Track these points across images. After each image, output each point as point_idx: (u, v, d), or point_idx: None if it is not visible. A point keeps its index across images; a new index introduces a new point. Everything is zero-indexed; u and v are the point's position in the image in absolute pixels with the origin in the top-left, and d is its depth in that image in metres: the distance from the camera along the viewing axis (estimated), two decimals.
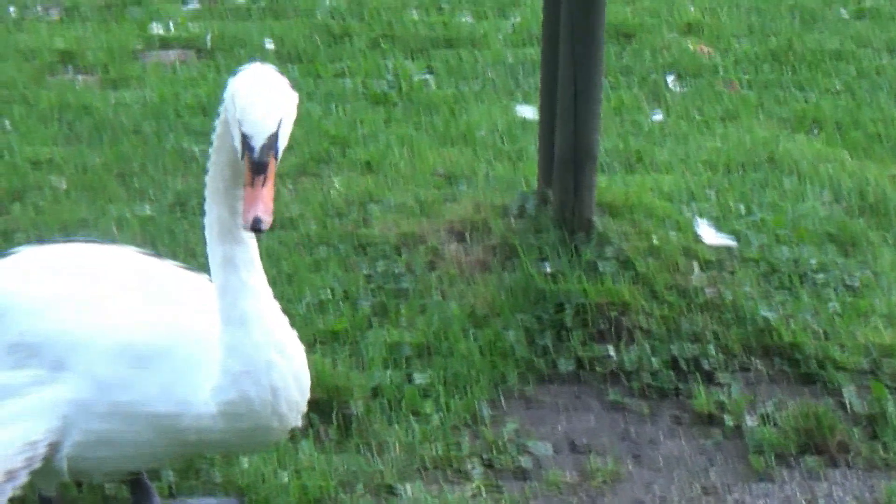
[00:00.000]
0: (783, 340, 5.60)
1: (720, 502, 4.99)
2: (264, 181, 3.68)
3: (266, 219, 3.64)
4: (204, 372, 4.03)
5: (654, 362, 5.50)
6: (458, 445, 5.11)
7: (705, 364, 5.52)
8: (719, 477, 5.11)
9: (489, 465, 5.07)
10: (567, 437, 5.25)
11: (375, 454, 5.06)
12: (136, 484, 4.63)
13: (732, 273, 5.89)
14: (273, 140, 3.72)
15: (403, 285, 5.88)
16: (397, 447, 5.08)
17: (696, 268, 5.83)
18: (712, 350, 5.55)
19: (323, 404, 5.15)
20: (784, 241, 6.24)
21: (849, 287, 6.06)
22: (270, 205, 3.67)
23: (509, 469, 5.07)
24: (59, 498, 4.39)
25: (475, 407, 5.29)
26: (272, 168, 3.72)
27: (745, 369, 5.55)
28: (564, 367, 5.51)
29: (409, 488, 4.90)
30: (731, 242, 6.08)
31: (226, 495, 4.82)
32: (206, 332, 4.09)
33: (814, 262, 6.12)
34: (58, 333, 4.12)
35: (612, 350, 5.53)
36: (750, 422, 5.30)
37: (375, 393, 5.30)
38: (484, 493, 4.91)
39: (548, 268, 5.71)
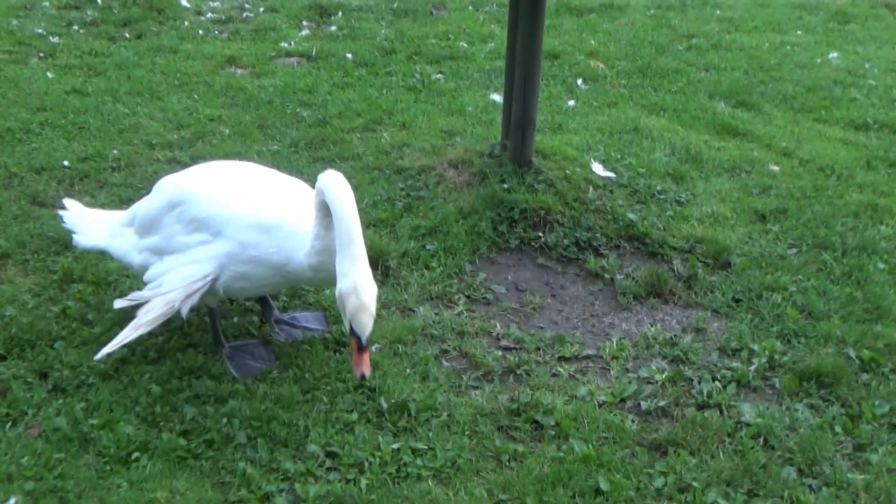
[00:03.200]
0: (640, 231, 5.59)
1: (600, 322, 5.00)
2: (359, 350, 3.78)
3: (368, 374, 3.79)
4: (301, 242, 4.03)
5: (565, 241, 5.49)
6: (451, 286, 5.12)
7: (595, 244, 5.52)
8: (601, 308, 5.12)
9: (468, 298, 5.08)
10: (513, 283, 5.25)
11: (403, 289, 5.06)
12: (263, 301, 4.65)
13: (612, 192, 5.87)
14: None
15: (422, 194, 5.85)
16: (415, 286, 5.09)
17: (590, 189, 5.80)
18: (599, 236, 5.54)
19: (374, 261, 5.14)
20: (643, 175, 6.21)
21: (678, 202, 6.04)
22: (368, 364, 3.80)
23: (480, 300, 5.08)
24: (218, 309, 4.40)
25: (461, 264, 5.28)
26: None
27: (618, 247, 5.54)
28: (513, 242, 5.49)
29: (421, 309, 4.91)
30: (612, 175, 6.05)
31: (316, 310, 4.82)
32: (304, 219, 4.09)
33: (658, 188, 6.10)
34: (217, 213, 4.12)
35: (541, 234, 5.51)
36: (619, 277, 5.31)
37: (404, 254, 5.29)
38: (465, 314, 4.92)
39: (506, 186, 5.68)
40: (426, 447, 3.96)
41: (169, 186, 4.29)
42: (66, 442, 3.86)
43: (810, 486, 3.92)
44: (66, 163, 6.20)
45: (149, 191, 4.47)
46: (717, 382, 4.50)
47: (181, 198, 4.20)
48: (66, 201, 4.75)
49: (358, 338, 3.75)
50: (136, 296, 4.14)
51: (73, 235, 4.56)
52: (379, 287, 5.00)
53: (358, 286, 3.73)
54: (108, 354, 4.04)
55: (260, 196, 4.16)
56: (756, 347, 4.74)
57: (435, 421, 4.10)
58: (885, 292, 5.21)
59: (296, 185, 4.34)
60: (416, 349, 4.56)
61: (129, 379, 4.21)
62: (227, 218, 4.10)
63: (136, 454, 3.81)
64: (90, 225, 4.56)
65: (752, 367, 4.60)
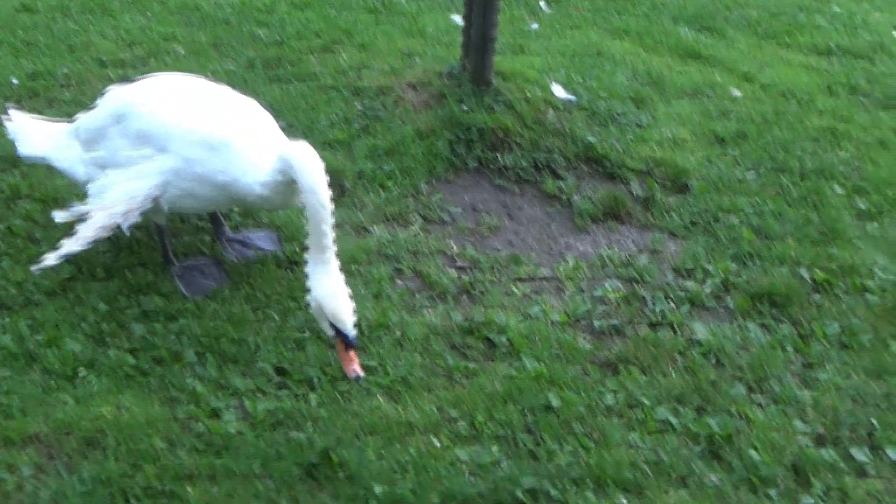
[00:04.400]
0: (599, 154, 5.56)
1: (556, 243, 4.98)
2: (347, 351, 3.69)
3: (362, 373, 3.70)
4: (249, 165, 3.96)
5: (523, 163, 5.44)
6: (407, 206, 5.07)
7: (552, 165, 5.48)
8: (557, 229, 5.10)
9: (424, 218, 5.03)
10: (470, 204, 5.21)
11: (358, 209, 5.01)
12: (214, 220, 4.58)
13: (571, 114, 5.81)
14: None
15: (380, 114, 5.77)
16: (371, 206, 5.04)
17: (550, 110, 5.74)
18: (557, 157, 5.50)
19: (329, 181, 5.07)
20: (603, 98, 6.15)
21: (638, 126, 6.00)
22: (359, 364, 3.71)
23: (436, 220, 5.04)
24: (167, 227, 4.33)
25: (418, 185, 5.23)
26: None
27: (576, 169, 5.51)
28: (471, 164, 5.44)
29: (376, 229, 4.87)
30: (572, 98, 5.99)
31: (268, 229, 4.76)
32: (253, 141, 4.02)
33: (619, 111, 6.06)
34: (163, 128, 4.05)
35: (498, 155, 5.46)
36: (577, 199, 5.28)
37: (360, 175, 5.23)
38: (420, 234, 4.88)
39: (464, 107, 5.60)
40: (377, 364, 3.94)
41: (115, 98, 4.19)
42: (10, 359, 3.81)
43: (759, 403, 3.95)
44: (14, 80, 6.06)
45: (96, 103, 4.38)
46: (670, 302, 4.51)
47: (127, 111, 4.10)
48: (11, 110, 4.65)
49: (345, 336, 3.67)
50: (77, 209, 4.07)
51: (17, 146, 4.47)
52: (334, 207, 4.96)
53: (335, 291, 3.69)
54: (50, 267, 3.99)
55: (209, 113, 4.08)
56: (711, 268, 4.75)
57: (387, 339, 4.08)
58: (840, 215, 5.23)
59: (247, 104, 4.25)
60: (369, 269, 4.53)
61: (76, 297, 4.15)
62: (173, 133, 4.02)
63: (82, 371, 3.77)
64: (34, 135, 4.46)
65: (706, 288, 4.61)
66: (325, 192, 3.77)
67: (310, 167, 3.77)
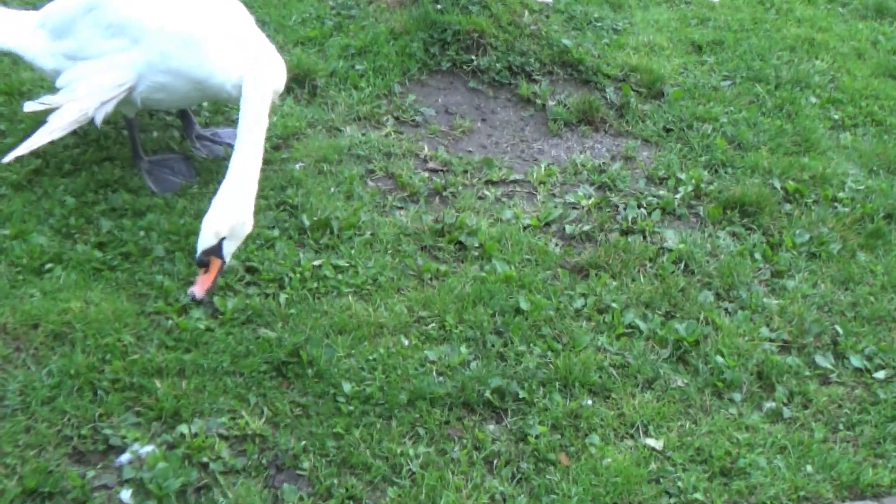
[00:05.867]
0: (574, 58, 5.48)
1: (530, 147, 4.95)
2: (205, 272, 3.52)
3: (197, 295, 3.50)
4: (225, 62, 3.88)
5: (498, 66, 5.36)
6: (379, 107, 5.01)
7: (527, 69, 5.41)
8: (530, 134, 5.06)
9: (397, 119, 4.98)
10: (443, 106, 5.15)
11: (330, 109, 4.94)
12: (184, 115, 4.51)
13: (548, 17, 5.73)
14: (214, 249, 3.52)
15: (353, 13, 5.65)
16: (343, 105, 4.96)
17: (526, 13, 5.65)
18: (532, 61, 5.43)
19: (300, 79, 5.01)
20: (580, 2, 6.05)
21: (615, 31, 5.93)
22: (204, 287, 3.50)
23: (409, 122, 4.99)
24: (136, 121, 4.25)
25: (391, 85, 5.15)
26: (213, 265, 3.52)
27: (551, 73, 5.45)
28: (445, 65, 5.36)
29: (348, 129, 4.81)
30: (548, 0, 5.89)
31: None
32: (230, 38, 3.94)
33: (596, 15, 5.98)
34: (138, 19, 3.94)
35: (473, 57, 5.38)
36: (551, 103, 5.23)
37: (332, 74, 5.14)
38: (393, 135, 4.83)
39: (439, 7, 5.50)
40: (348, 264, 3.93)
41: None
42: None
43: (726, 310, 3.99)
44: None
45: None
46: (642, 209, 4.51)
47: (100, 1, 3.99)
48: None
49: (223, 261, 3.57)
50: (48, 100, 3.98)
51: None
52: (306, 106, 4.90)
53: (247, 220, 3.62)
54: (18, 159, 3.92)
55: (187, 6, 3.98)
56: (683, 176, 4.74)
57: (357, 239, 4.06)
58: (814, 125, 5.23)
59: (234, 10, 4.15)
60: (341, 168, 4.48)
61: (43, 190, 4.08)
62: (148, 26, 3.92)
63: (49, 265, 3.73)
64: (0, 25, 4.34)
65: (678, 195, 4.61)
66: (260, 128, 3.78)
67: (254, 99, 3.79)
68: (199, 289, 3.51)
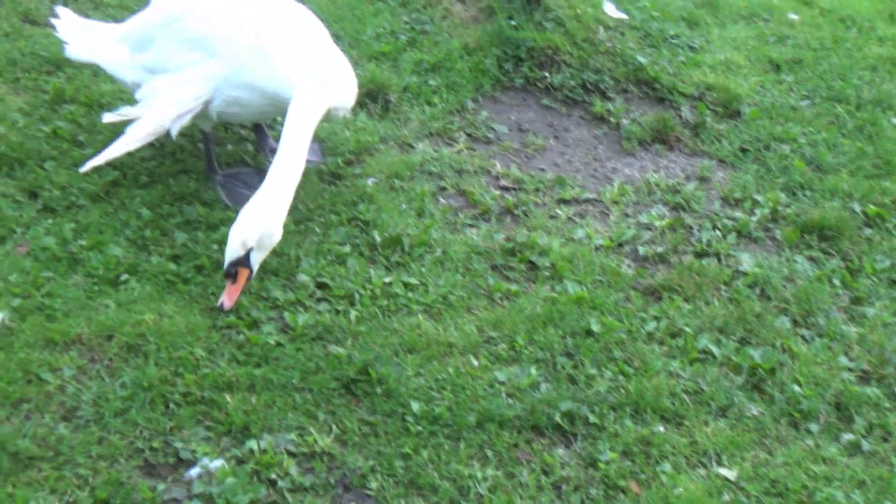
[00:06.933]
0: (649, 76, 5.43)
1: (603, 166, 4.91)
2: (233, 283, 3.59)
3: (226, 306, 3.60)
4: (298, 77, 3.90)
5: (571, 83, 5.33)
6: (452, 123, 4.99)
7: (601, 86, 5.36)
8: (604, 152, 5.01)
9: (469, 136, 4.96)
10: (516, 123, 5.12)
11: (402, 124, 4.94)
12: (258, 129, 4.54)
13: (623, 34, 5.68)
14: (241, 260, 3.57)
15: (427, 28, 5.66)
16: (415, 121, 4.97)
17: (601, 29, 5.60)
18: (606, 78, 5.38)
19: (374, 94, 5.02)
20: (656, 18, 5.99)
21: (691, 48, 5.86)
22: (232, 298, 3.60)
23: (481, 138, 4.97)
24: (212, 134, 4.30)
25: (463, 101, 5.15)
26: (241, 276, 3.60)
27: (625, 91, 5.40)
28: (518, 82, 5.34)
29: (420, 145, 4.80)
30: (624, 17, 5.85)
31: (312, 141, 4.71)
32: (303, 53, 3.97)
33: (672, 32, 5.91)
34: (215, 33, 3.99)
35: (546, 74, 5.35)
36: (625, 122, 5.18)
37: (405, 89, 5.14)
38: (465, 152, 4.82)
39: (513, 23, 5.48)
40: (418, 282, 3.92)
41: (167, 2, 4.13)
42: (54, 261, 3.82)
43: (803, 336, 3.90)
44: None
45: (146, 6, 4.32)
46: (717, 231, 4.44)
47: (179, 15, 4.05)
48: (59, 9, 4.59)
49: (251, 272, 3.63)
50: (126, 111, 4.04)
51: (65, 45, 4.42)
52: (378, 121, 4.91)
53: (276, 231, 3.65)
54: (96, 170, 4.00)
55: (263, 19, 4.01)
56: (760, 198, 4.66)
57: (428, 257, 4.05)
58: None
59: (302, 13, 4.17)
60: (412, 185, 4.48)
61: (120, 202, 4.14)
62: (225, 39, 3.96)
63: (124, 276, 3.77)
64: (83, 36, 4.41)
65: (755, 218, 4.53)
66: (301, 141, 3.82)
67: (299, 111, 3.83)
68: (227, 300, 3.59)
